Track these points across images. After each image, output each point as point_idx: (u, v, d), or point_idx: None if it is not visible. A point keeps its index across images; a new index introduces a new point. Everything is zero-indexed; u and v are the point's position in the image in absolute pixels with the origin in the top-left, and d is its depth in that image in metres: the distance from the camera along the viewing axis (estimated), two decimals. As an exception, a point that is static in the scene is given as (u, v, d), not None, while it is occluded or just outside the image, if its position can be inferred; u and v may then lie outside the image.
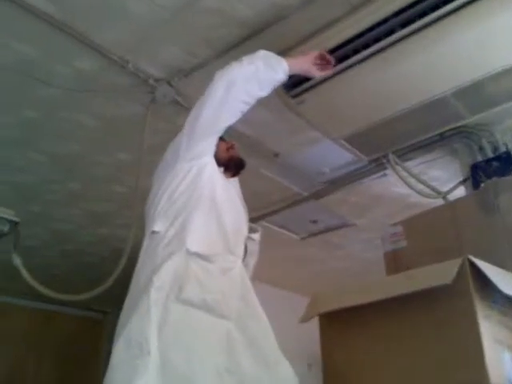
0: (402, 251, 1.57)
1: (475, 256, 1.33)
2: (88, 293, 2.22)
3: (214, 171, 1.59)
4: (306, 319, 1.25)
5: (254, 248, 1.69)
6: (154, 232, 1.45)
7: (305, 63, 1.67)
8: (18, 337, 4.77)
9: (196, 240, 1.41)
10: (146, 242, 1.49)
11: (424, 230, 1.56)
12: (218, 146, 1.66)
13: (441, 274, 1.03)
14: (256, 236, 1.71)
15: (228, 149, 1.78)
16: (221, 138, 1.73)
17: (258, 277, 1.76)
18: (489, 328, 0.99)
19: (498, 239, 1.34)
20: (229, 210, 1.56)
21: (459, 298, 1.03)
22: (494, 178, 2.24)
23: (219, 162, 1.67)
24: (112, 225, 3.49)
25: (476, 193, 1.52)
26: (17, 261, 2.12)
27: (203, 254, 1.39)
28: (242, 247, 1.57)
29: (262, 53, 1.61)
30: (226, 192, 1.61)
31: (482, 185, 1.90)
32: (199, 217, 1.45)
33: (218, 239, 1.48)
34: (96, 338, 5.13)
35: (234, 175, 1.77)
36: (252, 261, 1.67)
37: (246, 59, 1.58)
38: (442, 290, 1.02)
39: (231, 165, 1.75)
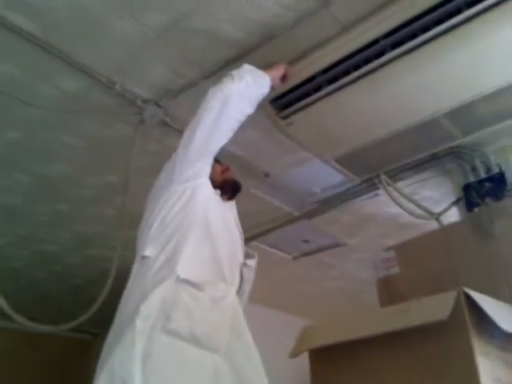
0: (395, 277, 1.52)
1: (470, 284, 1.29)
2: (69, 323, 2.15)
3: (209, 193, 1.56)
4: (295, 354, 1.20)
5: (250, 275, 1.62)
6: (144, 257, 1.40)
7: (278, 76, 1.76)
8: (1, 359, 4.62)
9: (187, 266, 1.36)
10: (136, 267, 1.44)
11: (417, 256, 1.52)
12: (212, 169, 1.63)
13: (436, 308, 0.98)
14: (252, 262, 1.65)
15: (223, 171, 1.76)
16: (216, 161, 1.70)
17: (251, 298, 1.70)
18: (487, 366, 0.93)
19: (492, 266, 1.30)
20: (223, 235, 1.52)
21: (455, 333, 0.98)
22: (487, 199, 2.22)
23: (214, 184, 1.63)
24: (101, 246, 3.42)
25: (470, 218, 1.48)
26: (-9, 289, 2.03)
27: (194, 282, 1.33)
28: (237, 274, 1.52)
29: (247, 68, 1.62)
30: (222, 215, 1.58)
31: (476, 209, 1.87)
32: (191, 241, 1.40)
33: (211, 266, 1.43)
34: (85, 360, 4.99)
35: (230, 198, 1.73)
36: (247, 288, 1.60)
37: (235, 75, 1.58)
38: (437, 324, 0.97)
39: (226, 187, 1.72)
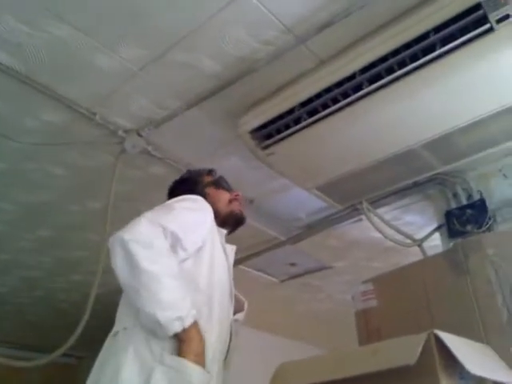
0: (373, 311, 1.52)
1: (445, 321, 1.30)
2: (47, 355, 2.12)
3: (212, 253, 1.39)
4: (267, 394, 1.19)
5: (239, 328, 1.49)
6: (126, 328, 1.25)
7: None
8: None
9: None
10: (119, 336, 1.26)
11: (394, 289, 1.52)
12: (218, 197, 1.54)
13: (405, 351, 0.98)
14: (241, 316, 1.51)
15: (231, 200, 1.59)
16: (222, 187, 1.60)
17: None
18: (456, 410, 0.94)
19: (467, 303, 1.30)
20: (222, 299, 1.37)
21: (425, 376, 0.97)
22: (469, 227, 2.23)
23: (218, 215, 1.49)
24: (84, 271, 3.40)
25: (446, 253, 1.49)
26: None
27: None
28: (228, 336, 1.39)
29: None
30: (225, 272, 1.42)
31: (452, 244, 1.87)
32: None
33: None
34: (70, 384, 4.91)
35: (230, 232, 1.59)
36: (237, 342, 1.45)
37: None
38: (407, 367, 0.97)
39: (230, 221, 1.56)
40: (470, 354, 1.03)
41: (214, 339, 1.29)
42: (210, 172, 1.68)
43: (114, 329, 1.29)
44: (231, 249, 1.53)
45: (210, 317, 1.31)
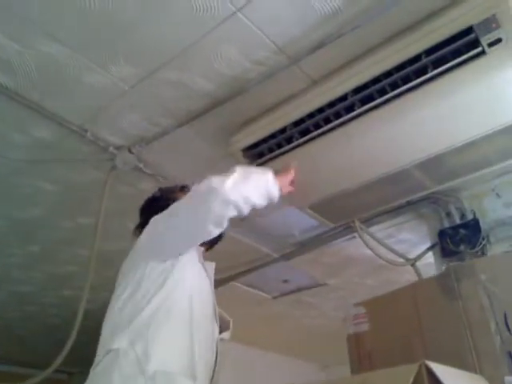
0: (365, 335, 1.50)
1: (437, 346, 1.28)
2: (38, 372, 2.09)
3: (193, 271, 1.39)
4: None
5: (224, 347, 1.45)
6: (111, 350, 1.21)
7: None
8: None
9: (159, 363, 1.19)
10: (101, 363, 1.22)
11: (386, 313, 1.49)
12: None
13: (395, 383, 0.96)
14: (227, 335, 1.48)
15: None
16: None
17: (232, 336, 1.60)
18: None
19: (458, 328, 1.28)
20: (203, 320, 1.35)
21: (416, 409, 0.96)
22: (462, 246, 2.22)
23: None
24: (75, 287, 3.35)
25: (438, 276, 1.47)
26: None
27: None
28: (213, 356, 1.36)
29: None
30: (205, 291, 1.41)
31: (445, 264, 1.86)
32: (168, 332, 1.24)
33: (184, 358, 1.24)
34: (60, 401, 4.83)
35: (208, 249, 1.57)
36: (223, 360, 1.41)
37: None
38: (398, 399, 0.95)
39: None
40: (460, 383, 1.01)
41: (197, 359, 1.26)
42: (183, 188, 1.63)
43: (96, 360, 1.25)
44: (210, 266, 1.50)
45: (191, 338, 1.28)
